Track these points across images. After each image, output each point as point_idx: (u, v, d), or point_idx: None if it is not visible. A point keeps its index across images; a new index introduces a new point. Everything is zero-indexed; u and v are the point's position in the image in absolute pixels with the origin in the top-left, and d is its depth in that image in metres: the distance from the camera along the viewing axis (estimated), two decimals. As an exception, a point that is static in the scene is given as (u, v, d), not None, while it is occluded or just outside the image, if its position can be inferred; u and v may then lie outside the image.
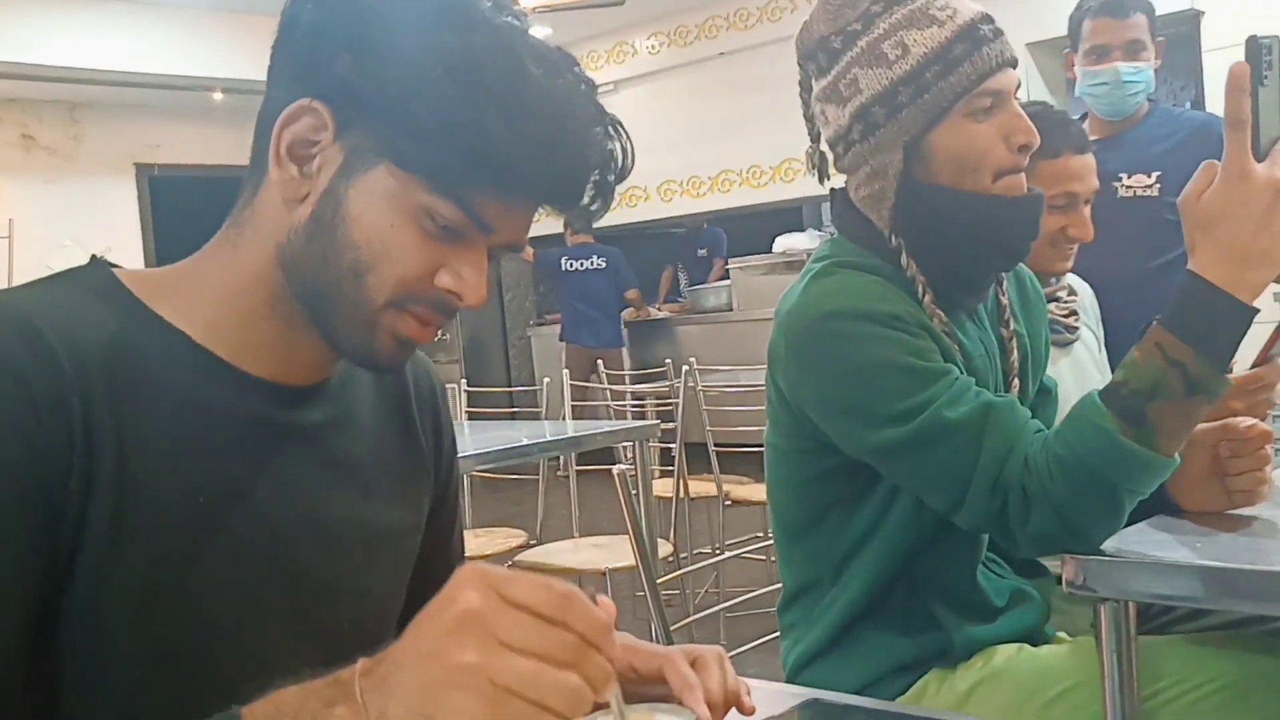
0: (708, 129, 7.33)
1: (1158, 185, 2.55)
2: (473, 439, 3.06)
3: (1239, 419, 1.25)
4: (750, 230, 7.71)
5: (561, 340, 7.34)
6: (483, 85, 0.74)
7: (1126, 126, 2.51)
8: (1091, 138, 2.48)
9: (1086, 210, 1.81)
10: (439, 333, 0.84)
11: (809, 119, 1.41)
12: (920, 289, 1.30)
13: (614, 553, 3.09)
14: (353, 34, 0.76)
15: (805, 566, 1.40)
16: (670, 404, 3.99)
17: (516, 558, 3.19)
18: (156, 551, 0.74)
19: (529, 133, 0.75)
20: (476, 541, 3.41)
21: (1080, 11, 2.52)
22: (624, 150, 0.83)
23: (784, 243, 6.99)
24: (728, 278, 7.53)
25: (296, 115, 0.77)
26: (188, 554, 0.75)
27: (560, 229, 7.52)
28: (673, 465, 3.79)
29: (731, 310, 7.31)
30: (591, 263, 7.30)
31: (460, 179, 0.76)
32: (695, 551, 4.04)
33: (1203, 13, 5.25)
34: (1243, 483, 1.25)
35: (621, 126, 0.83)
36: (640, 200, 7.85)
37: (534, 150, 0.75)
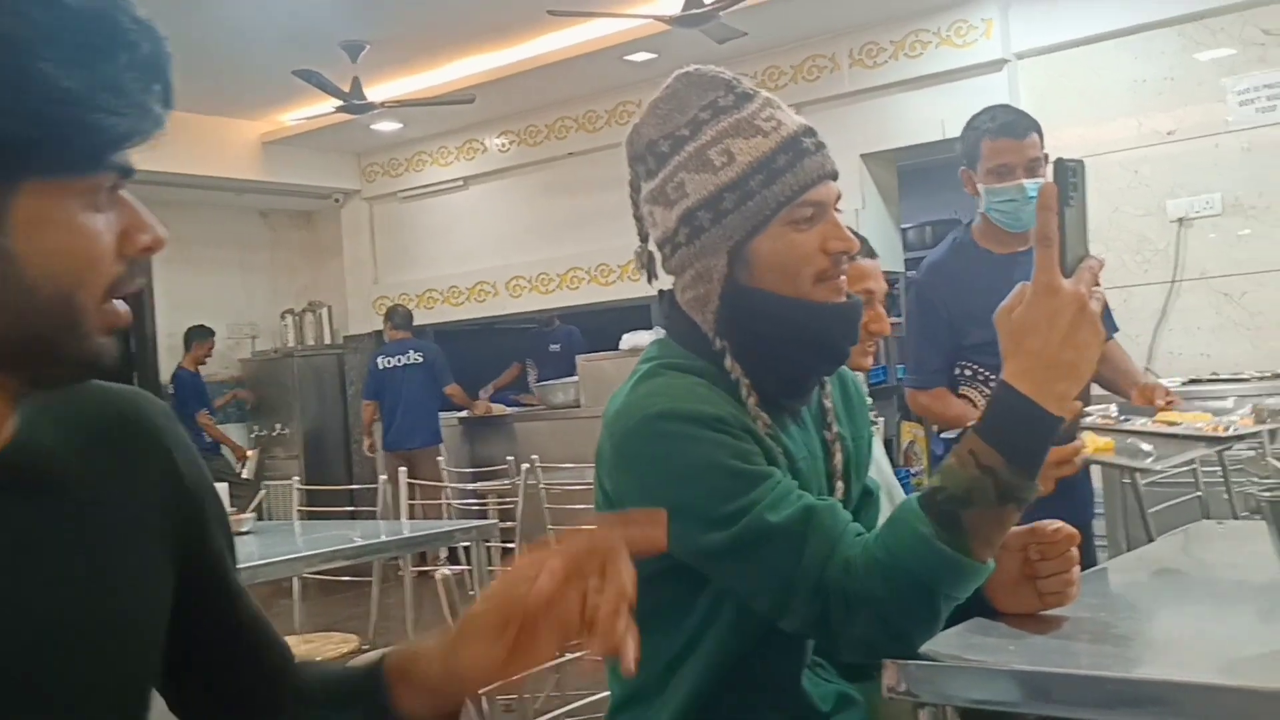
0: (557, 226, 7.40)
1: None
2: (304, 539, 2.95)
3: (1047, 522, 1.29)
4: (602, 327, 7.77)
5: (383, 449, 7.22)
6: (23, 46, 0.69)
7: (1025, 244, 2.57)
8: (1000, 252, 2.63)
9: (881, 308, 1.96)
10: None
11: (638, 219, 1.42)
12: (744, 391, 1.31)
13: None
14: None
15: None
16: (512, 503, 3.93)
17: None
18: None
19: (95, 67, 0.71)
20: (305, 648, 3.26)
21: (976, 132, 2.64)
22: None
23: (631, 340, 7.04)
24: (575, 373, 7.54)
25: None
26: None
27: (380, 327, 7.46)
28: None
29: (579, 406, 7.31)
30: (408, 358, 7.22)
31: (77, 153, 0.72)
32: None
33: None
34: (1052, 584, 1.28)
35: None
36: (489, 295, 7.83)
37: (103, 83, 0.71)
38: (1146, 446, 1.77)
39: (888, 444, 6.96)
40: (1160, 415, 2.08)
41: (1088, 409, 2.13)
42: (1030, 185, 2.55)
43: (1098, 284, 1.14)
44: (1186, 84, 5.27)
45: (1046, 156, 2.60)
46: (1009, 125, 2.59)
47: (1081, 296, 1.10)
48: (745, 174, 1.29)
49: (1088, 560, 1.82)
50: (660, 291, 1.43)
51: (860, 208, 6.15)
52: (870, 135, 6.13)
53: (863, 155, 6.16)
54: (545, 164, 7.44)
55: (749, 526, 1.20)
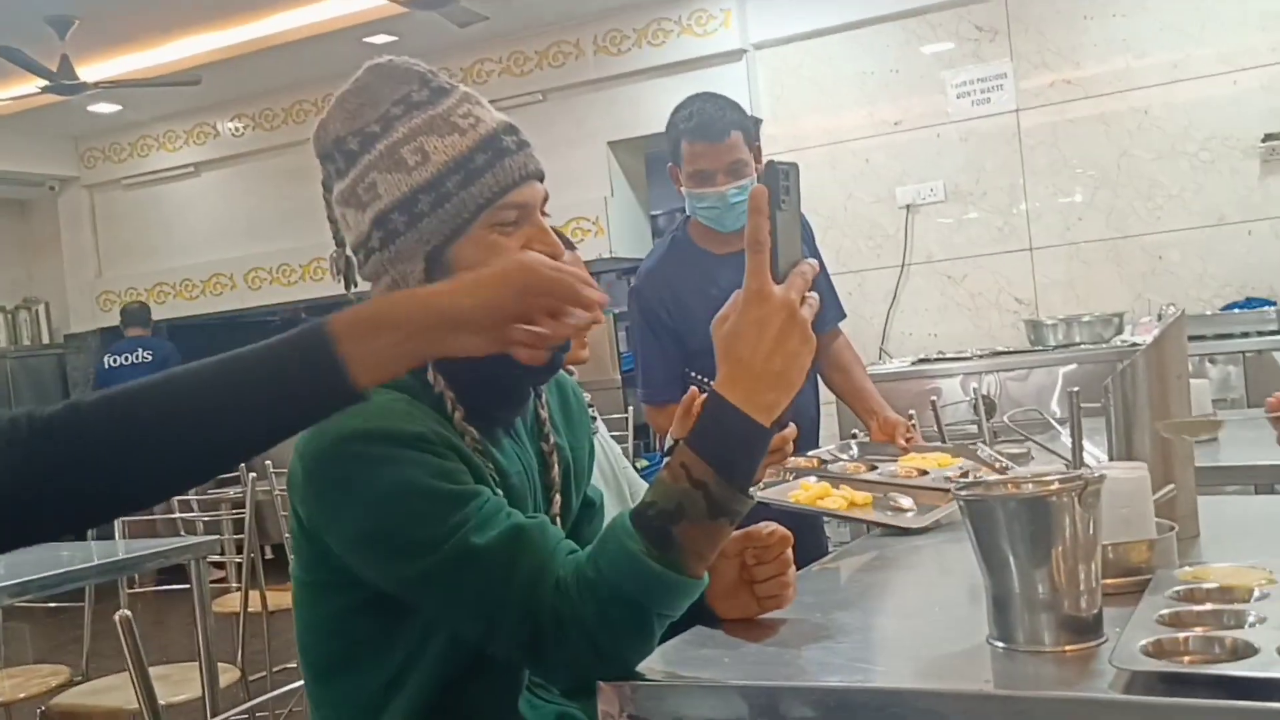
0: (299, 214, 7.04)
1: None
2: (5, 564, 2.67)
3: (762, 525, 1.27)
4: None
5: None
6: None
7: (743, 243, 2.51)
8: (718, 253, 2.51)
9: None
10: None
11: (332, 222, 1.32)
12: (449, 405, 1.23)
13: (175, 685, 2.78)
14: None
15: (337, 713, 1.27)
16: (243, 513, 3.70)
17: (54, 700, 2.78)
18: None
19: None
20: (9, 684, 2.97)
21: (675, 131, 2.47)
22: None
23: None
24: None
25: None
26: None
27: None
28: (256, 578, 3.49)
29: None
30: (137, 356, 6.78)
31: None
32: (285, 668, 3.73)
33: (760, 120, 5.72)
34: (769, 588, 1.27)
35: None
36: (226, 288, 7.43)
37: None
38: (905, 501, 1.80)
39: (644, 429, 7.03)
40: (904, 460, 2.05)
41: (833, 452, 2.13)
42: (732, 191, 2.43)
43: (822, 284, 1.11)
44: (910, 76, 5.54)
45: (758, 151, 2.50)
46: (705, 126, 2.42)
47: (792, 303, 1.07)
48: (441, 174, 1.20)
49: (819, 552, 1.84)
50: (356, 296, 1.32)
51: (608, 195, 6.16)
52: (617, 122, 6.15)
53: (610, 142, 6.18)
54: (284, 149, 7.08)
55: (453, 550, 1.12)
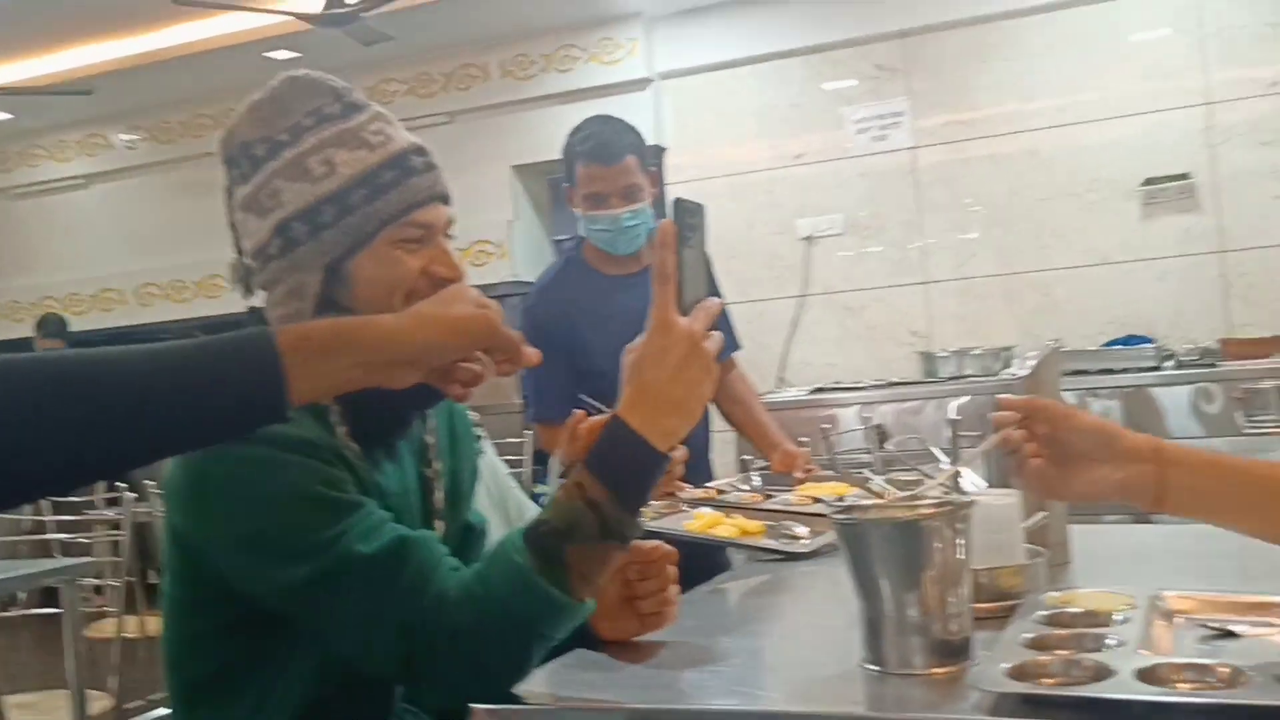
0: (194, 229, 6.83)
1: None
2: None
3: (645, 542, 1.28)
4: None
5: None
6: None
7: (636, 266, 2.48)
8: (609, 273, 2.50)
9: None
10: None
11: (233, 228, 1.30)
12: (334, 419, 1.22)
13: (41, 714, 2.67)
14: None
15: (204, 736, 1.23)
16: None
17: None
18: None
19: None
20: None
21: (571, 153, 2.49)
22: None
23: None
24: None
25: None
26: None
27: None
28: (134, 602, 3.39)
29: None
30: None
31: None
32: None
33: (664, 148, 5.78)
34: (651, 605, 1.28)
35: None
36: (116, 304, 7.22)
37: None
38: (800, 529, 1.82)
39: (541, 454, 7.01)
40: (800, 489, 2.08)
41: (733, 483, 2.14)
42: (625, 215, 2.43)
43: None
44: (812, 111, 5.64)
45: (655, 176, 2.52)
46: (600, 150, 2.43)
47: (694, 334, 1.10)
48: (347, 187, 1.20)
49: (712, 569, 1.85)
50: (251, 308, 1.31)
51: (512, 219, 6.15)
52: (522, 147, 6.15)
53: (515, 167, 6.17)
54: (180, 163, 6.90)
55: (336, 559, 1.11)
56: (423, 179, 1.24)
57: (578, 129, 2.52)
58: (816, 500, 1.97)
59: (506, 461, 2.37)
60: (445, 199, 1.27)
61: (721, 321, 2.72)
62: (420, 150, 1.27)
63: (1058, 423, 1.15)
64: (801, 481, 2.19)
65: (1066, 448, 1.14)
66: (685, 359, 1.09)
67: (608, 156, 2.43)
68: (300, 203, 1.21)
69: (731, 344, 2.77)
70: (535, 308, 2.60)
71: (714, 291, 2.70)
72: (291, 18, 5.13)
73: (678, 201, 1.12)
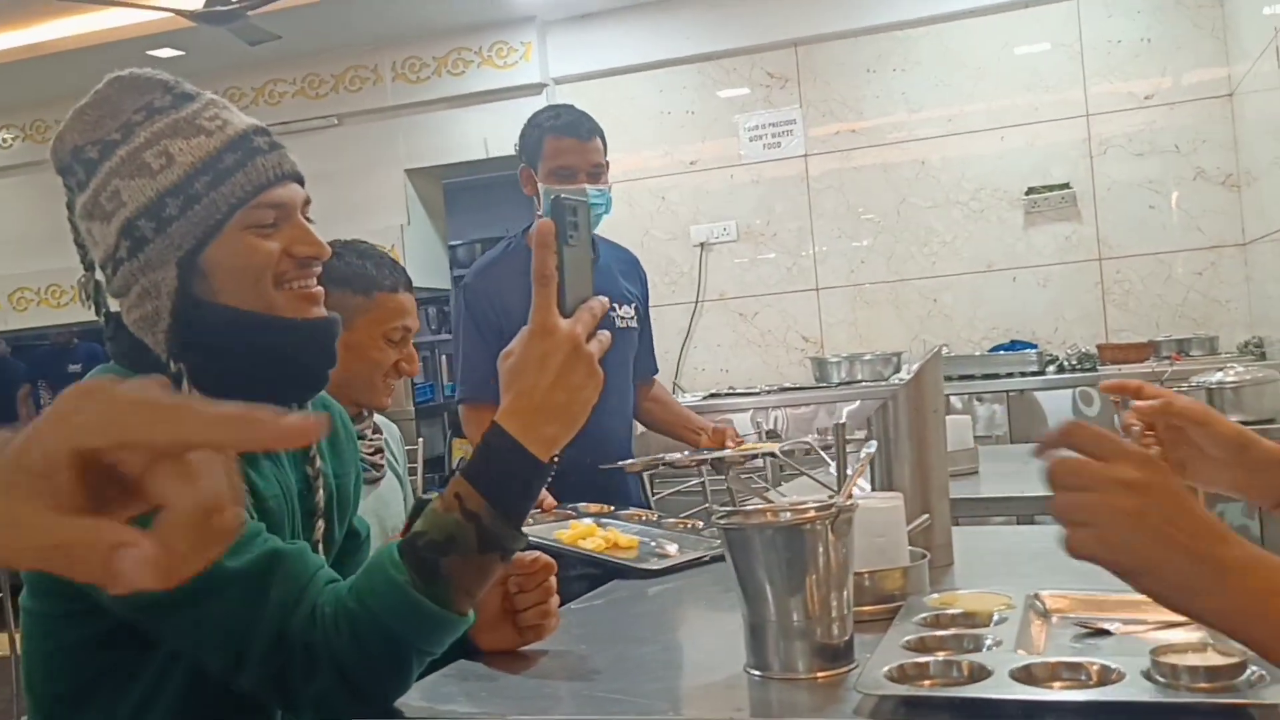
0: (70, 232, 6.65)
1: (634, 317, 2.65)
2: None
3: (525, 553, 1.25)
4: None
5: None
6: None
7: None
8: None
9: (413, 348, 1.85)
10: None
11: (79, 244, 1.25)
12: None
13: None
14: None
15: (67, 761, 1.17)
16: None
17: None
18: None
19: None
20: None
21: (538, 130, 2.52)
22: None
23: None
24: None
25: None
26: None
27: None
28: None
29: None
30: None
31: None
32: None
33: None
34: (531, 617, 1.26)
35: None
36: (-12, 309, 6.92)
37: None
38: (671, 547, 1.81)
39: (438, 461, 6.91)
40: (739, 448, 2.22)
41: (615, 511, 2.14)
42: (593, 191, 2.45)
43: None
44: (706, 118, 5.68)
45: (608, 165, 2.56)
46: (573, 124, 2.49)
47: (576, 337, 1.06)
48: (188, 176, 1.16)
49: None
50: (105, 315, 1.25)
51: (405, 224, 6.06)
52: (415, 151, 6.07)
53: (407, 170, 6.08)
54: (56, 163, 6.66)
55: (203, 573, 1.06)
56: (268, 158, 1.20)
57: (543, 110, 2.61)
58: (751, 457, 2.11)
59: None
60: (297, 178, 1.24)
61: (643, 344, 2.81)
62: (262, 131, 1.23)
63: (1195, 426, 1.21)
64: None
65: (1195, 448, 1.22)
66: (567, 364, 1.06)
67: (581, 132, 2.49)
68: (142, 199, 1.17)
69: (650, 366, 2.80)
70: (473, 285, 2.60)
71: (644, 300, 2.76)
72: (174, 14, 4.97)
73: (556, 199, 1.09)
